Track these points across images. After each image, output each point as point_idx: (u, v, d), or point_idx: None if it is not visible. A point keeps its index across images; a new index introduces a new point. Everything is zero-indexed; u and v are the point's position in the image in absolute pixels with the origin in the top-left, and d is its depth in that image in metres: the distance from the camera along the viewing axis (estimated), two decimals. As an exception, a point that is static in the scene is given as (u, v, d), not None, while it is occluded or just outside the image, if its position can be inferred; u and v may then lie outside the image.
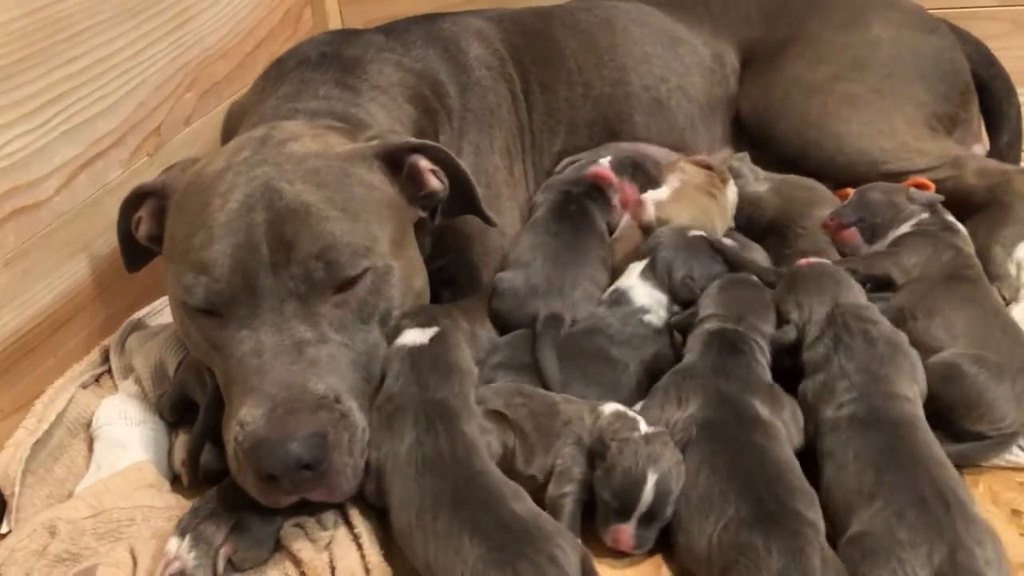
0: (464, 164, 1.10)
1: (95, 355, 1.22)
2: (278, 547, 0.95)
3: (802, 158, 1.35)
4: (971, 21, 1.64)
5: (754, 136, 1.41)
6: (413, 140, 1.06)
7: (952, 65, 1.45)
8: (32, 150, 1.13)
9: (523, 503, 0.88)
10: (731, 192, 1.27)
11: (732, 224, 1.30)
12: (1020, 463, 1.00)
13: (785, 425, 0.96)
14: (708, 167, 1.25)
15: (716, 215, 1.22)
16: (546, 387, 1.04)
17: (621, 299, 1.13)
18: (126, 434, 1.11)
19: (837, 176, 1.33)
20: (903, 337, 0.99)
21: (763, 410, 0.95)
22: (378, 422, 0.94)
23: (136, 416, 1.13)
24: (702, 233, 1.14)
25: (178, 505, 1.03)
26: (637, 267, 1.14)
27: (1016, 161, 1.49)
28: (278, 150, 1.00)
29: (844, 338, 0.97)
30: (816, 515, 0.85)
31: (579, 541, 0.86)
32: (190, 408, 1.11)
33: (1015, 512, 0.95)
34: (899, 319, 1.05)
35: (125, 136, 1.30)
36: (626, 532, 0.87)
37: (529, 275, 1.16)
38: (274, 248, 0.94)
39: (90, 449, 1.12)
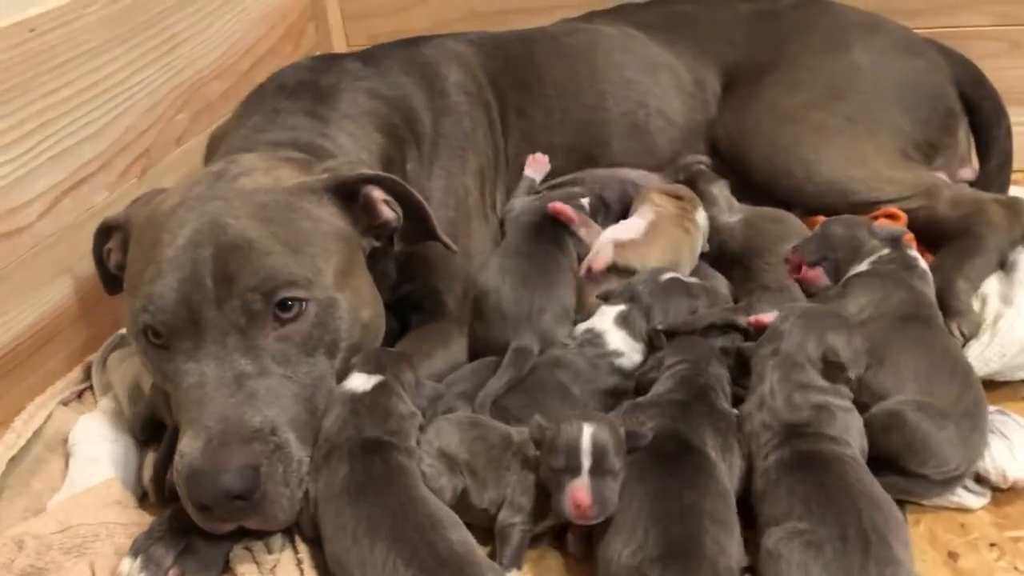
0: (420, 193, 1.14)
1: (77, 372, 1.28)
2: (227, 569, 0.98)
3: (772, 186, 1.35)
4: (967, 41, 1.62)
5: (728, 162, 1.41)
6: (366, 172, 1.09)
7: (935, 89, 1.44)
8: (14, 178, 1.18)
9: (459, 533, 0.91)
10: (702, 219, 1.28)
11: (705, 248, 1.31)
12: (963, 504, 1.00)
13: (730, 467, 0.98)
14: (679, 196, 1.26)
15: (686, 249, 1.22)
16: (504, 419, 1.07)
17: (595, 340, 1.13)
18: (99, 451, 1.16)
19: (807, 204, 1.33)
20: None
21: (712, 447, 0.97)
22: (315, 459, 0.97)
23: (109, 434, 1.17)
24: (675, 275, 1.15)
25: (143, 522, 1.06)
26: (611, 311, 1.14)
27: (1004, 185, 1.47)
28: (229, 185, 1.04)
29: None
30: (731, 550, 0.86)
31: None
32: (160, 427, 1.16)
33: (951, 555, 0.96)
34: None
35: (112, 159, 1.35)
36: (581, 486, 0.88)
37: (500, 298, 1.18)
38: (218, 282, 0.97)
39: (67, 465, 1.17)
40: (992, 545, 0.96)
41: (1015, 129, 1.64)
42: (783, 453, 0.93)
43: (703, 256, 1.31)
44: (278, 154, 1.13)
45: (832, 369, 1.00)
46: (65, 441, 1.18)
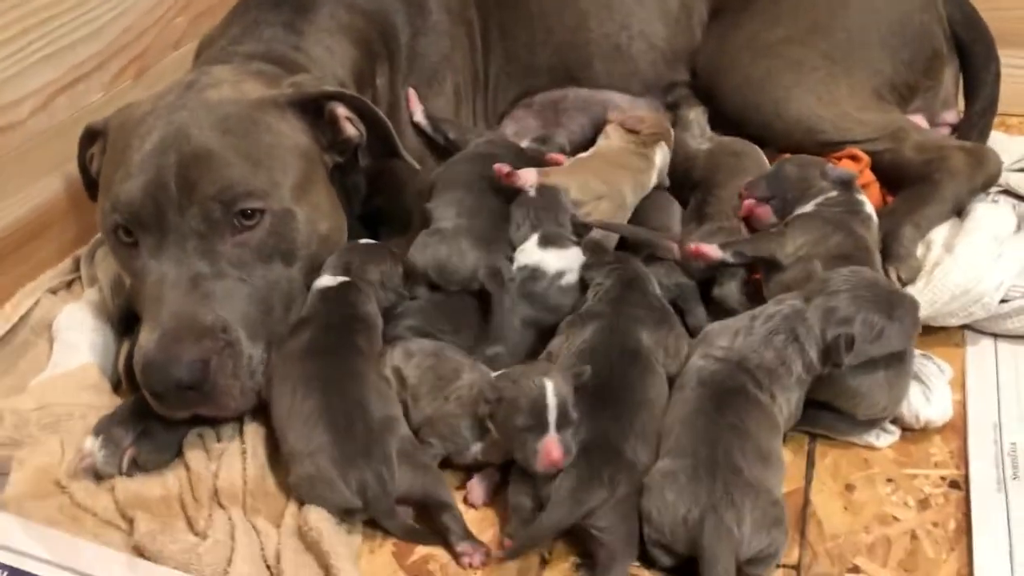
0: (389, 110, 1.20)
1: (67, 263, 1.37)
2: (180, 454, 1.08)
3: (742, 120, 1.36)
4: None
5: (704, 91, 1.42)
6: (329, 89, 1.14)
7: (922, 29, 1.42)
8: (7, 75, 1.24)
9: (385, 411, 1.00)
10: (659, 156, 1.30)
11: (666, 183, 1.34)
12: (871, 442, 1.05)
13: (666, 350, 1.05)
14: (635, 131, 1.28)
15: (625, 183, 1.24)
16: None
17: (535, 274, 1.15)
18: (80, 338, 1.25)
19: (776, 141, 1.34)
20: None
21: (647, 339, 1.05)
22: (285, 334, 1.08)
23: (91, 322, 1.26)
24: (547, 187, 1.19)
25: (113, 406, 1.15)
26: (529, 243, 1.17)
27: (985, 130, 1.46)
28: (197, 96, 1.10)
29: None
30: (638, 454, 0.94)
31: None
32: (137, 319, 1.25)
33: (848, 486, 1.01)
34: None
35: (108, 60, 1.40)
36: (552, 441, 0.92)
37: (457, 229, 1.20)
38: (180, 188, 1.04)
39: (52, 349, 1.27)
40: (889, 480, 1.01)
41: (1017, 73, 1.64)
42: (705, 392, 0.98)
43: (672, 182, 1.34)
44: (248, 67, 1.18)
45: (832, 355, 0.99)
46: (51, 327, 1.28)
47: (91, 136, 1.19)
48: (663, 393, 1.02)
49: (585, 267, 1.15)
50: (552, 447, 0.91)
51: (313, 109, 1.13)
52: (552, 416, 0.92)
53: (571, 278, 1.15)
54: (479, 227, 1.19)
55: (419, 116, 1.35)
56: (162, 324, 1.02)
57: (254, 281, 1.08)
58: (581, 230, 1.17)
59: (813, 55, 1.35)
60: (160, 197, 1.04)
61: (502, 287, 1.13)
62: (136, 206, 1.05)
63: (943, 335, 1.19)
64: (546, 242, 1.16)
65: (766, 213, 1.21)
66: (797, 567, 0.92)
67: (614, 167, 1.26)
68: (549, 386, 0.93)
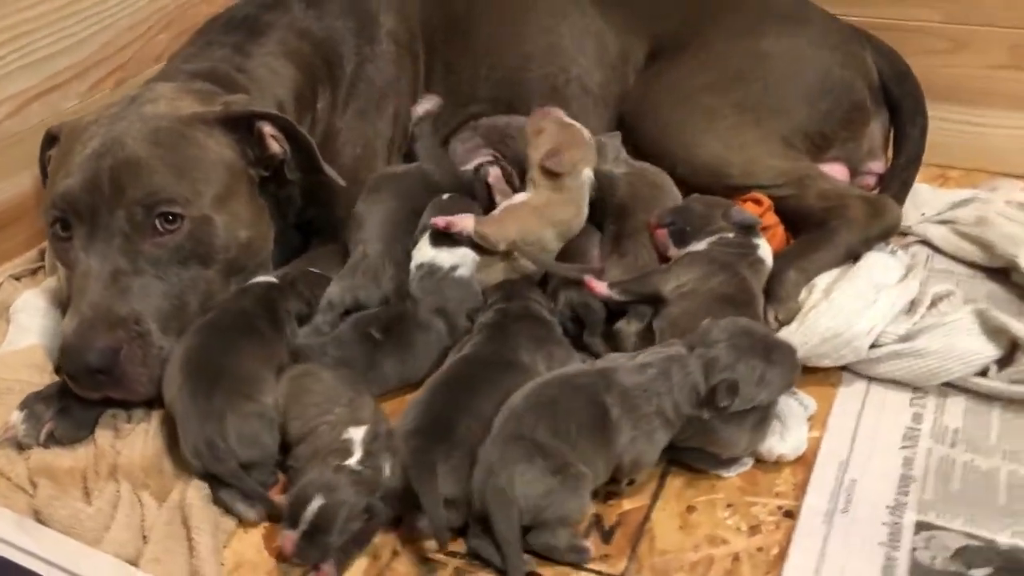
0: (328, 130, 1.37)
1: (33, 253, 1.50)
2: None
3: (657, 161, 1.42)
4: (915, 35, 1.65)
5: (626, 131, 1.49)
6: (256, 109, 1.26)
7: (843, 84, 1.48)
8: (-17, 81, 1.39)
9: (249, 386, 1.12)
10: (586, 188, 1.36)
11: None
12: (719, 472, 1.12)
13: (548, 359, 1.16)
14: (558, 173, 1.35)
15: (550, 234, 1.32)
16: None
17: (431, 270, 1.27)
18: (32, 321, 1.37)
19: (686, 182, 1.40)
20: None
21: (525, 357, 1.15)
22: None
23: (44, 307, 1.38)
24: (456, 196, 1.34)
25: (50, 385, 1.29)
26: (423, 244, 1.29)
27: (907, 183, 1.52)
28: (136, 110, 1.23)
29: None
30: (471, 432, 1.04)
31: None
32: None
33: (689, 508, 1.08)
34: (664, 334, 1.18)
35: (87, 71, 1.54)
36: (289, 539, 0.97)
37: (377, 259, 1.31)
38: (111, 190, 1.17)
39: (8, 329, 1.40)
40: (729, 505, 1.08)
41: (957, 128, 1.70)
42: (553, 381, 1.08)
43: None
44: (190, 85, 1.30)
45: (716, 398, 1.04)
46: (9, 309, 1.42)
47: (50, 140, 1.32)
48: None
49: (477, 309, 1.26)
50: (286, 544, 0.97)
51: (242, 126, 1.24)
52: (302, 526, 0.97)
53: (464, 272, 1.28)
54: (398, 252, 1.32)
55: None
56: (81, 312, 1.14)
57: (170, 279, 1.19)
58: (470, 241, 1.28)
59: (725, 104, 1.43)
60: (94, 195, 1.17)
61: (402, 300, 1.25)
62: (72, 200, 1.18)
63: (821, 374, 1.25)
64: (437, 241, 1.26)
65: (662, 235, 1.28)
66: (620, 576, 1.00)
67: (543, 222, 1.32)
68: (315, 504, 0.97)
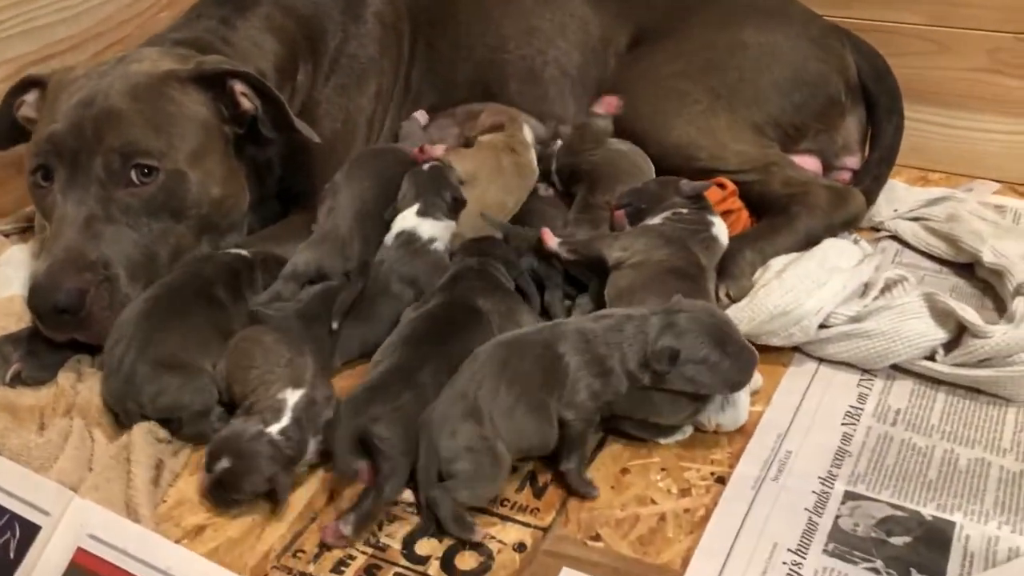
0: (309, 102, 1.41)
1: (24, 213, 1.56)
2: (59, 375, 1.24)
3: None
4: (898, 37, 1.67)
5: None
6: (227, 67, 1.30)
7: (819, 78, 1.50)
8: (-18, 44, 1.45)
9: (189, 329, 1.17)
10: (531, 151, 1.43)
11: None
12: (657, 440, 1.13)
13: (500, 314, 1.19)
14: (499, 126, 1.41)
15: (511, 198, 1.38)
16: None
17: (410, 239, 1.30)
18: (16, 274, 1.42)
19: (658, 165, 1.43)
20: None
21: (483, 304, 1.19)
22: None
23: (27, 262, 1.44)
24: (435, 164, 1.35)
25: (25, 333, 1.34)
26: (409, 211, 1.31)
27: (879, 178, 1.54)
28: (121, 68, 1.29)
29: None
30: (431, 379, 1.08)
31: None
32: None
33: (623, 470, 1.10)
34: (612, 302, 1.20)
35: (85, 43, 1.60)
36: (202, 481, 1.05)
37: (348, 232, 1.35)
38: (93, 138, 1.23)
39: (-6, 282, 1.46)
40: (663, 470, 1.09)
41: (938, 130, 1.72)
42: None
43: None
44: (174, 50, 1.35)
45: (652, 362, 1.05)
46: (-6, 262, 1.47)
47: (27, 84, 1.37)
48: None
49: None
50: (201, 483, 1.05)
51: (215, 85, 1.30)
52: (215, 472, 1.02)
53: (440, 246, 1.30)
54: (367, 228, 1.35)
55: None
56: (53, 255, 1.19)
57: (141, 230, 1.24)
58: (456, 206, 1.31)
59: (699, 89, 1.46)
60: (76, 140, 1.23)
61: (364, 277, 1.28)
62: (56, 143, 1.24)
63: (773, 354, 1.26)
64: (424, 212, 1.30)
65: (620, 217, 1.31)
66: (546, 528, 1.02)
67: (500, 161, 1.39)
68: (225, 460, 1.01)
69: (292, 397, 1.06)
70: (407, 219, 1.32)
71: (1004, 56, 1.62)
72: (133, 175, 1.23)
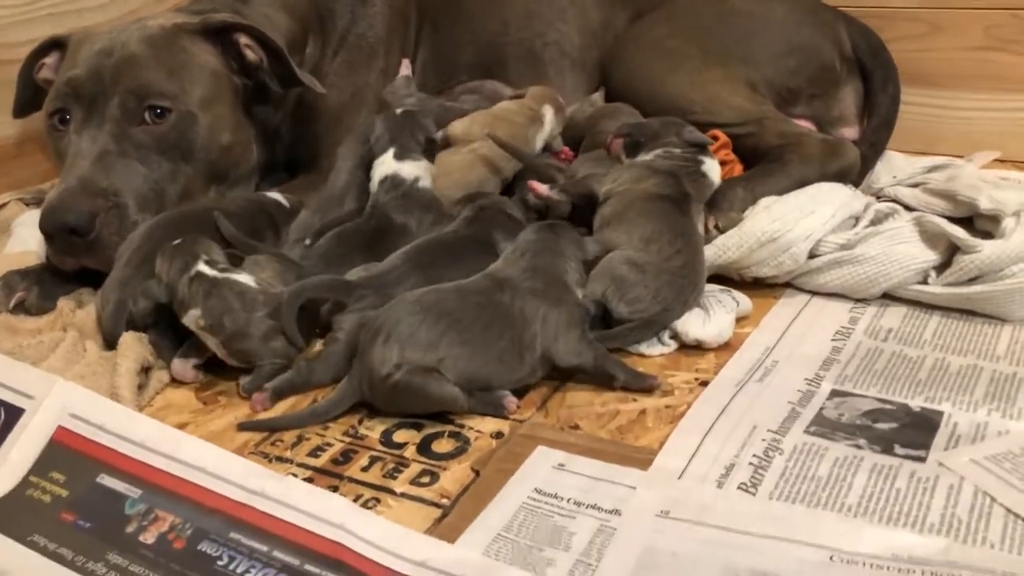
0: (317, 76, 1.46)
1: (45, 185, 1.62)
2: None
3: (624, 101, 1.49)
4: (891, 21, 1.70)
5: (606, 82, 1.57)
6: (230, 20, 1.38)
7: (812, 43, 1.54)
8: (14, 21, 1.54)
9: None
10: (548, 113, 1.44)
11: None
12: (642, 352, 1.13)
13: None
14: (520, 96, 1.44)
15: (504, 132, 1.39)
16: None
17: (396, 182, 1.32)
18: (29, 234, 1.46)
19: (652, 119, 1.46)
20: None
21: (500, 240, 1.21)
22: None
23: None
24: (407, 108, 1.39)
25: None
26: (386, 156, 1.33)
27: (878, 145, 1.54)
28: (140, 25, 1.38)
29: None
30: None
31: None
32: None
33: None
34: (597, 228, 1.22)
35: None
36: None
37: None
38: (110, 80, 1.30)
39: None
40: (647, 376, 1.09)
41: (936, 112, 1.73)
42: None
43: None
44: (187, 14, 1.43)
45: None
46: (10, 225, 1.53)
47: (50, 47, 1.46)
48: None
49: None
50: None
51: (222, 38, 1.38)
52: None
53: (426, 183, 1.32)
54: (362, 178, 1.37)
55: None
56: (67, 182, 1.26)
57: (151, 166, 1.30)
58: (430, 146, 1.34)
59: (691, 48, 1.50)
60: (95, 84, 1.31)
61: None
62: (76, 86, 1.32)
63: (765, 289, 1.26)
64: (401, 155, 1.32)
65: (616, 145, 1.32)
66: (522, 421, 1.01)
67: (498, 120, 1.41)
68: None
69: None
70: (387, 164, 1.33)
71: (1000, 32, 1.64)
72: (147, 115, 1.30)
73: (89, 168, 1.26)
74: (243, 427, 1.02)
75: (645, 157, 1.29)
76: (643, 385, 1.05)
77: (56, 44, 1.45)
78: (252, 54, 1.38)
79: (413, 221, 1.30)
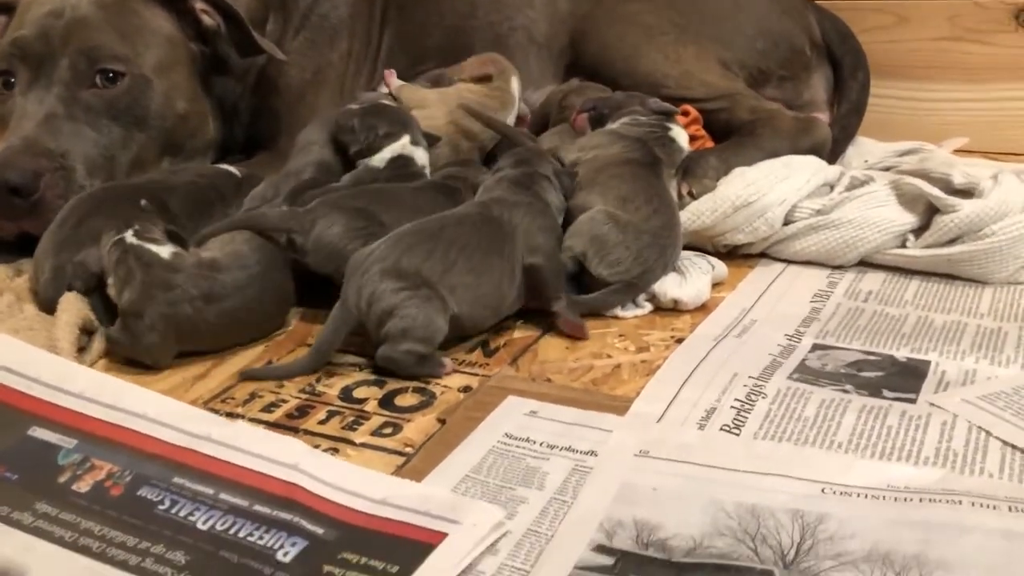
0: (279, 52, 1.40)
1: None
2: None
3: (598, 77, 1.46)
4: (857, 13, 1.70)
5: (572, 66, 1.54)
6: None
7: (782, 27, 1.53)
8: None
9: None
10: (515, 86, 1.41)
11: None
12: (618, 314, 1.08)
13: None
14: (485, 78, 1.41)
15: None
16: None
17: (407, 162, 1.24)
18: None
19: (626, 95, 1.43)
20: None
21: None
22: None
23: None
24: (378, 99, 1.35)
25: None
26: (402, 140, 1.24)
27: (848, 130, 1.53)
28: None
29: None
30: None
31: None
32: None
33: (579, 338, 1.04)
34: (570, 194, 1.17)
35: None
36: None
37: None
38: (58, 43, 1.25)
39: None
40: (621, 335, 1.03)
41: (906, 104, 1.72)
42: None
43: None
44: None
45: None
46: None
47: None
48: None
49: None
50: None
51: (177, 5, 1.33)
52: None
53: (427, 173, 1.26)
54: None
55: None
56: (10, 142, 1.19)
57: (102, 131, 1.25)
58: (433, 140, 1.29)
59: (664, 22, 1.48)
60: (43, 45, 1.25)
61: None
62: (22, 47, 1.26)
63: (741, 259, 1.22)
64: (415, 142, 1.26)
65: (581, 120, 1.29)
66: (490, 376, 0.95)
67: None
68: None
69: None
70: (403, 146, 1.25)
71: (965, 22, 1.65)
72: (98, 79, 1.25)
73: (35, 129, 1.20)
74: (245, 375, 0.96)
75: (612, 126, 1.26)
76: (575, 327, 1.03)
77: (5, 8, 1.39)
78: (209, 20, 1.33)
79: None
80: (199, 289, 0.98)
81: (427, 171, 1.26)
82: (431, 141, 1.30)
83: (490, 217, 1.02)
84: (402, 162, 1.25)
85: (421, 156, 1.26)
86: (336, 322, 0.96)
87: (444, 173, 1.23)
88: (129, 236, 1.00)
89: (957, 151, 1.58)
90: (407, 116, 1.29)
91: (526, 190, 1.07)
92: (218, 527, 0.71)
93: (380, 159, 1.26)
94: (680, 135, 1.26)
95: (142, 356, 0.98)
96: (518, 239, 1.02)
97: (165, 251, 1.00)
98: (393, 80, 1.38)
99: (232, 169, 1.29)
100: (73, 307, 1.00)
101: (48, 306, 1.05)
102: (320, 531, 0.70)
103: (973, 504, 0.68)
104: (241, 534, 0.70)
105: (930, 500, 0.69)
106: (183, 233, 1.13)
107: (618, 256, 1.07)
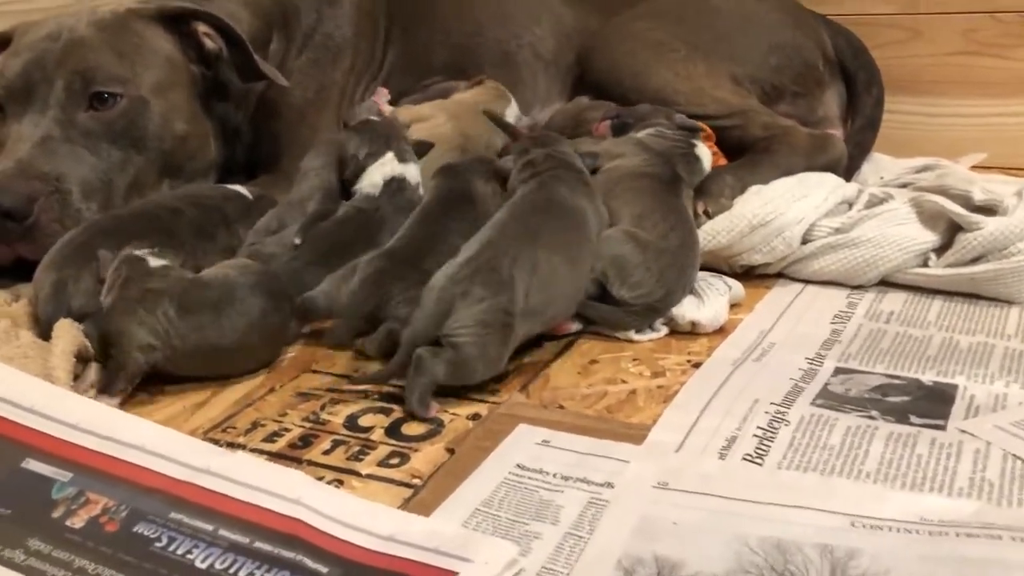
0: (282, 72, 1.38)
1: None
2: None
3: (608, 95, 1.43)
4: (870, 28, 1.68)
5: (579, 83, 1.51)
6: (188, 6, 1.31)
7: (794, 43, 1.50)
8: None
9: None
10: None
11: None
12: (633, 338, 1.04)
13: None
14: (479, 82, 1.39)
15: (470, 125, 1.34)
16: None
17: (402, 184, 1.21)
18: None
19: (636, 116, 1.40)
20: None
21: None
22: None
23: None
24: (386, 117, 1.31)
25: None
26: (387, 157, 1.22)
27: (863, 145, 1.51)
28: (90, 10, 1.31)
29: None
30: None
31: None
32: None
33: (592, 361, 1.00)
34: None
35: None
36: None
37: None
38: (55, 66, 1.22)
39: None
40: (635, 359, 1.00)
41: (918, 120, 1.70)
42: None
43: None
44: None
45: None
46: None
47: None
48: None
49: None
50: None
51: (180, 26, 1.31)
52: None
53: (421, 190, 1.23)
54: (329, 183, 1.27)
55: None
56: (5, 165, 1.16)
57: (100, 154, 1.22)
58: (420, 149, 1.25)
59: (674, 39, 1.46)
60: (36, 71, 1.22)
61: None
62: (13, 76, 1.23)
63: (758, 280, 1.19)
64: (403, 158, 1.23)
65: (604, 128, 1.27)
66: (500, 403, 0.92)
67: (465, 111, 1.35)
68: None
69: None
70: (391, 166, 1.22)
71: (980, 36, 1.62)
72: (95, 101, 1.22)
73: (29, 152, 1.17)
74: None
75: (637, 135, 1.23)
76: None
77: (2, 41, 1.37)
78: (211, 43, 1.31)
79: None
80: (173, 297, 0.95)
81: (420, 190, 1.22)
82: (424, 149, 1.27)
83: (557, 200, 1.03)
84: (396, 186, 1.22)
85: (413, 174, 1.23)
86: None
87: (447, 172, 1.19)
88: (129, 251, 1.00)
89: (974, 167, 1.55)
90: (390, 130, 1.25)
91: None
92: (217, 566, 0.68)
93: (372, 184, 1.23)
94: (704, 153, 1.23)
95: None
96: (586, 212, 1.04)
97: (156, 262, 1.00)
98: (384, 106, 1.34)
99: (242, 190, 1.26)
100: (68, 334, 0.96)
101: (47, 324, 1.01)
102: (324, 570, 0.66)
103: (1014, 539, 0.65)
104: (241, 573, 0.67)
105: (967, 535, 0.66)
106: (188, 256, 1.12)
107: (639, 278, 1.03)
